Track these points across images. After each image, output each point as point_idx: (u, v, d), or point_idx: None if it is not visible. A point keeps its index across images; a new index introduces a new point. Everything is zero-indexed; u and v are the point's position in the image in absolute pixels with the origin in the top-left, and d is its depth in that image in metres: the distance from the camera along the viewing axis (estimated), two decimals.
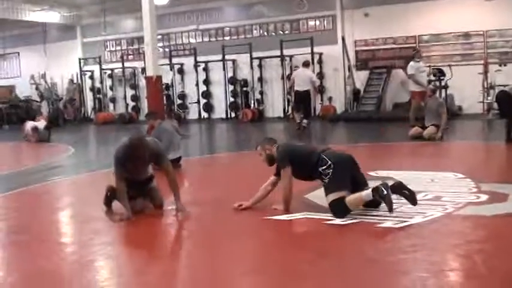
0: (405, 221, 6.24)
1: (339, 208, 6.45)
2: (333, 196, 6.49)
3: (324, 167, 6.59)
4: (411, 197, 6.51)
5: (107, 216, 7.29)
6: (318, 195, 7.71)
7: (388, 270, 4.98)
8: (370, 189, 6.43)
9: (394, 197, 6.45)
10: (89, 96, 28.71)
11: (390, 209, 6.32)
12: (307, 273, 4.95)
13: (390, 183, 6.62)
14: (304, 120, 17.08)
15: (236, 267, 5.26)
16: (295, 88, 16.94)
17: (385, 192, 6.32)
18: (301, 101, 17.15)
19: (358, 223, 6.32)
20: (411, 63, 15.82)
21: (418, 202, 6.65)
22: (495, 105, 14.49)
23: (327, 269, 5.08)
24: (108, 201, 7.47)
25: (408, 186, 6.64)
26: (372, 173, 9.16)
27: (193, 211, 7.34)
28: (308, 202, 7.44)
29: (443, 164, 9.12)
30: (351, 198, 6.46)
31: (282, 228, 6.47)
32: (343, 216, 6.41)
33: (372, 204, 6.64)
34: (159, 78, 14.71)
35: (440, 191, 7.71)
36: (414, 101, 15.41)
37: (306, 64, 17.83)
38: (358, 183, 6.69)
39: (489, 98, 18.93)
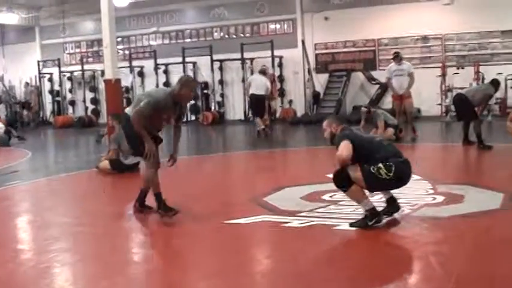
0: None
1: (344, 181, 6.18)
2: (356, 178, 6.12)
3: (384, 170, 6.07)
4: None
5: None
6: (277, 198, 7.79)
7: (343, 272, 5.01)
8: (371, 206, 6.20)
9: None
10: (47, 99, 28.33)
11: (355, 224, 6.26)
12: (265, 275, 4.96)
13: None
14: (258, 120, 17.04)
15: (195, 271, 5.24)
16: (251, 91, 16.91)
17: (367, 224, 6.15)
18: (256, 104, 17.12)
19: (315, 225, 6.35)
20: (388, 66, 15.63)
21: (375, 203, 6.71)
22: (453, 107, 14.64)
23: (283, 271, 5.09)
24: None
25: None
26: (331, 175, 9.18)
27: (153, 216, 7.30)
28: (267, 205, 7.45)
29: None
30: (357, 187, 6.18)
31: (240, 232, 6.45)
32: (347, 187, 6.17)
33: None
34: (118, 81, 14.58)
35: (397, 192, 7.73)
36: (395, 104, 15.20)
37: (262, 71, 17.84)
38: None
39: (447, 100, 19.20)
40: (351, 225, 6.20)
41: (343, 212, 6.86)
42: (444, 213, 6.67)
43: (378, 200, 6.59)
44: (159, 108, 6.82)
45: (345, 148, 6.12)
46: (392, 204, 6.47)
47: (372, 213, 6.12)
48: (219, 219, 6.80)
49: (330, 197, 7.69)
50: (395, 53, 15.12)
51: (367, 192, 6.26)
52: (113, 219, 7.44)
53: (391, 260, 5.29)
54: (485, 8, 20.14)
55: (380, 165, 6.06)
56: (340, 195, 7.63)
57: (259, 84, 16.92)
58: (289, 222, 6.50)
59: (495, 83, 12.83)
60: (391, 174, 6.04)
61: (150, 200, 7.25)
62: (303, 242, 5.92)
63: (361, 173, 6.09)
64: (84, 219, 7.57)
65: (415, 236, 5.92)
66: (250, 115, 20.94)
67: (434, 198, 7.46)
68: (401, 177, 6.24)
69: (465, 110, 12.42)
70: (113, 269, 5.41)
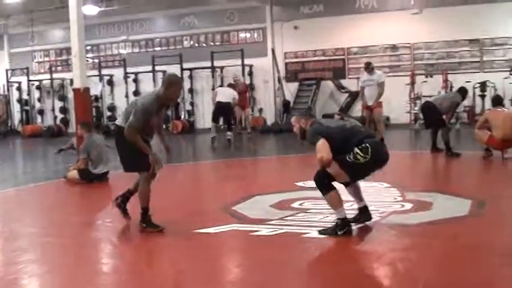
0: None
1: (325, 182, 6.19)
2: (334, 172, 6.12)
3: (361, 153, 6.04)
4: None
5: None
6: (247, 207, 7.78)
7: (313, 279, 5.01)
8: (343, 215, 6.17)
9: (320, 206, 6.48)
10: (16, 108, 28.03)
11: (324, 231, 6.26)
12: (235, 284, 4.95)
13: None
14: (228, 133, 17.07)
15: (164, 281, 5.21)
16: (217, 99, 16.98)
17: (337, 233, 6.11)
18: (222, 112, 17.16)
19: (284, 233, 6.34)
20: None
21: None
22: (421, 115, 14.76)
23: (252, 279, 5.08)
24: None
25: None
26: (300, 184, 9.24)
27: (121, 225, 7.25)
28: (236, 214, 7.43)
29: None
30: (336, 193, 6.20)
31: (210, 241, 6.41)
32: (327, 190, 6.18)
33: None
34: (87, 90, 14.47)
35: (366, 200, 7.78)
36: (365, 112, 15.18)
37: (231, 85, 17.94)
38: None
39: (416, 108, 19.34)
40: (320, 232, 6.19)
41: (312, 219, 6.88)
42: (412, 220, 6.71)
43: (349, 208, 6.60)
44: (149, 115, 6.61)
45: (322, 149, 6.05)
46: (365, 213, 6.50)
47: (343, 223, 6.11)
48: (188, 228, 6.76)
49: (300, 205, 7.72)
50: (366, 63, 15.16)
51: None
52: (81, 230, 7.37)
53: (359, 267, 5.31)
54: (453, 17, 20.44)
55: (355, 150, 6.06)
56: (309, 203, 7.72)
57: (226, 94, 17.01)
58: (258, 231, 6.48)
59: (462, 91, 12.98)
60: (368, 156, 6.03)
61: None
62: (272, 250, 5.91)
63: (339, 165, 6.09)
64: (51, 229, 7.50)
65: (383, 243, 5.96)
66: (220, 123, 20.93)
67: (403, 206, 7.51)
68: (379, 157, 6.22)
69: (433, 117, 12.55)
70: (81, 280, 5.35)
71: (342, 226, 6.09)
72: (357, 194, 6.54)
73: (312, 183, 9.05)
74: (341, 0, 22.02)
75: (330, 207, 6.30)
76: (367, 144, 6.08)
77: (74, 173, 10.89)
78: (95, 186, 10.46)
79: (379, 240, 6.05)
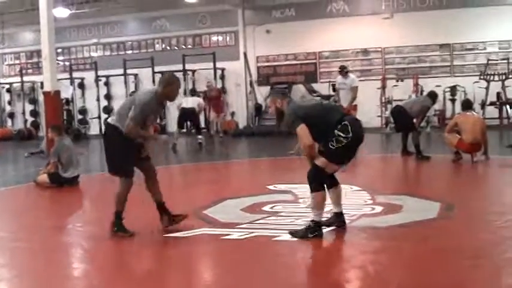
0: None
1: (317, 179, 6.13)
2: (322, 163, 6.10)
3: (342, 134, 5.98)
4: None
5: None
6: (218, 211, 7.78)
7: (283, 282, 5.02)
8: (318, 218, 6.17)
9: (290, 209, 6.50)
10: None
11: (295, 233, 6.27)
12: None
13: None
14: (199, 137, 17.14)
15: (134, 286, 5.19)
16: (182, 105, 17.16)
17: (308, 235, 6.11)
18: (187, 117, 17.30)
19: (255, 237, 6.34)
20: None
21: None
22: (392, 119, 14.87)
23: (222, 283, 5.08)
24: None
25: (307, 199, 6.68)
26: (271, 187, 9.26)
27: (91, 230, 7.22)
28: (207, 218, 7.41)
29: (340, 177, 9.23)
30: (323, 194, 6.18)
31: (179, 246, 6.39)
32: (317, 188, 6.13)
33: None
34: (58, 93, 14.41)
35: None
36: None
37: (196, 93, 18.34)
38: None
39: (387, 112, 19.49)
40: (291, 234, 6.22)
41: (283, 223, 6.88)
42: (382, 223, 6.74)
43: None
44: (149, 111, 6.56)
45: (303, 135, 6.04)
46: (339, 218, 6.51)
47: (316, 226, 6.12)
48: (158, 233, 6.75)
49: (270, 208, 7.73)
50: (340, 66, 15.20)
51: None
52: (51, 234, 7.30)
53: (329, 270, 5.33)
54: (424, 22, 20.67)
55: (336, 132, 6.00)
56: (280, 206, 7.75)
57: (189, 101, 17.29)
58: (229, 235, 6.48)
59: (432, 95, 13.11)
60: (350, 134, 5.98)
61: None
62: (241, 254, 5.92)
63: (325, 156, 6.08)
64: (20, 234, 7.42)
65: (353, 246, 5.99)
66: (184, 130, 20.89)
67: (373, 209, 7.55)
68: (358, 134, 6.16)
69: (403, 121, 12.66)
70: (50, 285, 5.32)
71: (313, 230, 6.10)
72: (337, 199, 6.52)
73: (282, 187, 9.19)
74: (313, 4, 22.12)
75: (309, 207, 6.38)
76: (346, 122, 6.05)
77: (44, 177, 10.80)
78: (65, 190, 10.38)
79: (349, 243, 6.08)
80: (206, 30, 24.12)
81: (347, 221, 6.69)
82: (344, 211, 6.92)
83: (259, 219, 7.13)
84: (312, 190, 6.15)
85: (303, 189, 8.36)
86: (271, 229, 6.61)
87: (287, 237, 6.21)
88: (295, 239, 6.12)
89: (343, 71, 14.55)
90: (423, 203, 7.86)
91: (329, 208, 6.53)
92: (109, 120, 6.86)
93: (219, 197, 8.70)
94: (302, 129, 6.03)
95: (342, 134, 5.98)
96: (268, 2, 22.80)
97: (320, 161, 6.08)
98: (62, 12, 22.03)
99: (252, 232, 6.50)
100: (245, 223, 6.96)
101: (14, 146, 22.22)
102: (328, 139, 6.03)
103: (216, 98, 20.09)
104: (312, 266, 5.45)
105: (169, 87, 6.58)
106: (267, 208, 7.73)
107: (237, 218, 7.25)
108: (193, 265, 5.83)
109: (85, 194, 10.69)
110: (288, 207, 7.75)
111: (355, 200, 8.04)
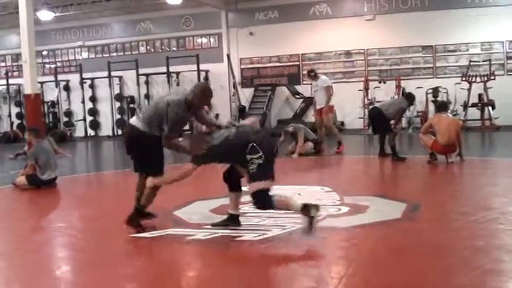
0: (264, 234, 6.41)
1: (264, 199, 6.27)
2: (255, 186, 6.27)
3: (254, 156, 6.19)
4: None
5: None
6: (187, 211, 7.86)
7: (243, 283, 5.11)
8: (301, 203, 6.24)
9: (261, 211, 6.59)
10: None
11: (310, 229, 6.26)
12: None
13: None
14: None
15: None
16: None
17: (315, 216, 6.15)
18: None
19: (218, 237, 6.43)
20: None
21: (282, 215, 6.90)
22: (369, 121, 15.00)
23: (181, 283, 5.17)
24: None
25: None
26: (246, 188, 9.32)
27: (56, 230, 7.29)
28: (176, 219, 7.49)
29: (314, 178, 9.46)
30: (280, 198, 6.33)
31: (145, 246, 6.46)
32: (266, 207, 6.34)
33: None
34: (38, 96, 14.49)
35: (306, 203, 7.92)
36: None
37: None
38: None
39: None
40: (213, 225, 6.82)
41: (248, 223, 6.96)
42: (344, 224, 6.84)
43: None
44: (182, 120, 6.87)
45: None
46: (234, 220, 6.86)
47: (233, 219, 6.77)
48: (125, 233, 6.82)
49: None
50: (307, 70, 15.28)
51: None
52: (28, 235, 7.37)
53: (283, 270, 5.42)
54: (406, 23, 20.82)
55: (248, 157, 6.21)
56: (247, 207, 7.77)
57: None
58: (194, 235, 6.56)
59: (409, 97, 13.22)
60: (260, 152, 6.20)
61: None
62: (206, 253, 6.05)
63: (253, 181, 6.29)
64: None
65: (310, 245, 6.02)
66: None
67: (339, 209, 7.63)
68: (268, 150, 6.31)
69: (380, 123, 12.76)
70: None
71: (232, 220, 6.76)
72: (236, 203, 6.89)
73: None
74: (296, 6, 22.23)
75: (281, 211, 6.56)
76: (252, 143, 6.22)
77: (22, 179, 10.85)
78: (43, 192, 10.45)
79: (306, 243, 6.09)
80: (190, 32, 24.24)
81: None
82: None
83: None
84: (271, 208, 6.38)
85: (275, 190, 8.49)
86: (235, 229, 6.67)
87: (249, 236, 6.30)
88: (256, 238, 6.23)
89: (310, 75, 14.67)
90: (390, 203, 7.96)
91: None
92: (134, 123, 6.90)
93: (190, 199, 8.77)
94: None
95: (254, 156, 6.18)
96: (252, 4, 22.90)
97: (253, 187, 6.32)
98: (46, 15, 22.08)
99: (216, 232, 6.58)
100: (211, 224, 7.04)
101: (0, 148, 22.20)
102: (240, 161, 6.34)
103: None
104: (264, 266, 5.53)
105: (203, 98, 6.84)
106: None
107: (204, 219, 7.32)
108: (154, 264, 5.88)
109: (63, 195, 10.73)
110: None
111: (324, 201, 8.09)
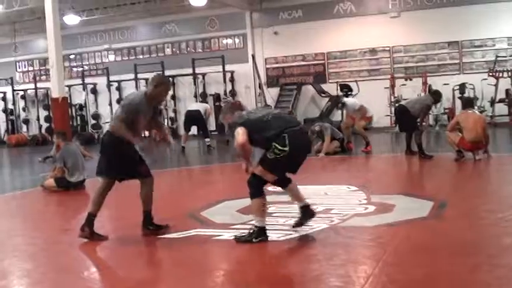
0: (290, 234, 6.44)
1: (255, 185, 6.24)
2: (260, 172, 6.21)
3: (279, 147, 6.05)
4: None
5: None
6: (214, 212, 7.92)
7: (269, 282, 5.15)
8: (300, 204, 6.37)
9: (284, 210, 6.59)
10: (1, 118, 28.12)
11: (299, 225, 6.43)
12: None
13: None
14: (207, 139, 17.27)
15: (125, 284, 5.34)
16: (187, 108, 17.43)
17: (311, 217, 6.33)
18: (192, 120, 17.41)
19: None
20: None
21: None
22: (395, 119, 14.97)
23: (212, 284, 5.23)
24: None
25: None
26: (270, 188, 9.35)
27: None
28: (202, 219, 7.55)
29: (340, 177, 9.49)
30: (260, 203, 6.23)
31: (171, 246, 6.52)
32: (255, 195, 6.23)
33: None
34: (66, 99, 14.65)
35: (331, 203, 7.95)
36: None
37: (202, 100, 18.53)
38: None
39: None
40: (236, 239, 6.31)
41: (275, 223, 6.98)
42: (371, 223, 6.85)
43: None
44: (136, 112, 6.67)
45: (240, 134, 6.11)
46: (306, 211, 6.48)
47: (260, 232, 6.18)
48: (153, 234, 6.89)
49: None
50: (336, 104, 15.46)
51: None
52: (55, 236, 7.47)
53: (308, 269, 5.45)
54: (431, 20, 20.68)
55: (273, 144, 6.06)
56: (274, 207, 7.85)
57: (194, 105, 17.63)
58: (220, 235, 6.61)
59: (435, 94, 13.13)
60: (286, 147, 6.02)
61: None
62: (234, 254, 6.11)
63: (261, 166, 6.17)
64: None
65: (336, 245, 6.04)
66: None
67: (366, 208, 7.64)
68: (298, 146, 6.18)
69: (406, 121, 12.71)
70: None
71: (257, 234, 6.17)
72: (296, 195, 6.55)
73: (280, 188, 9.29)
74: (320, 5, 22.23)
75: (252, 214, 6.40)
76: (286, 134, 6.08)
77: (51, 182, 10.99)
78: (72, 194, 10.57)
79: (334, 241, 6.10)
80: (215, 33, 24.37)
81: (337, 221, 6.81)
82: (337, 211, 7.06)
83: (253, 220, 7.23)
84: (251, 197, 6.26)
85: (302, 189, 8.52)
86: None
87: (275, 237, 6.32)
88: (281, 238, 6.26)
89: (339, 106, 15.04)
90: (417, 202, 7.94)
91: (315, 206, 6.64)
92: (108, 128, 7.08)
93: (218, 199, 8.83)
94: (240, 129, 6.14)
95: (278, 146, 6.04)
96: (276, 4, 22.95)
97: (257, 170, 6.21)
98: (73, 19, 22.34)
99: (243, 233, 6.61)
100: (238, 224, 7.09)
101: (29, 151, 22.44)
102: (267, 146, 6.16)
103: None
104: (292, 265, 5.57)
105: (159, 87, 6.75)
106: None
107: (231, 219, 7.38)
108: (182, 266, 5.95)
109: (91, 197, 10.82)
110: (282, 208, 7.86)
111: (350, 199, 8.13)
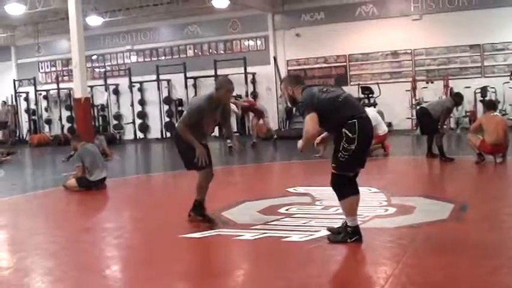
0: (312, 235, 6.47)
1: (338, 186, 6.07)
2: (338, 171, 6.01)
3: (349, 134, 5.83)
4: None
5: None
6: (235, 212, 7.97)
7: (289, 283, 5.18)
8: (353, 224, 6.10)
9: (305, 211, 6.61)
10: (24, 118, 28.43)
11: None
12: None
13: None
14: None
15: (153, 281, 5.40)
16: None
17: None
18: None
19: (266, 238, 6.50)
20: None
21: (329, 216, 6.94)
22: (417, 121, 14.94)
23: (234, 284, 5.28)
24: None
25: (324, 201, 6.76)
26: (291, 189, 9.42)
27: (109, 229, 7.45)
28: (224, 219, 7.58)
29: (361, 179, 9.37)
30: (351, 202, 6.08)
31: (192, 245, 6.60)
32: (342, 196, 6.06)
33: None
34: (88, 99, 14.77)
35: None
36: None
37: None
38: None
39: None
40: (329, 239, 6.17)
41: (296, 224, 7.04)
42: (392, 224, 6.88)
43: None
44: (201, 114, 7.07)
45: (310, 122, 5.91)
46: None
47: (354, 231, 6.06)
48: (175, 233, 6.95)
49: (286, 210, 7.89)
50: None
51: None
52: (79, 235, 7.56)
53: (332, 269, 5.49)
54: (453, 23, 20.58)
55: (343, 130, 5.84)
56: (295, 208, 7.91)
57: None
58: (241, 235, 6.66)
59: (456, 97, 13.09)
60: (355, 134, 5.81)
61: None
62: (255, 254, 6.17)
63: (336, 163, 5.99)
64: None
65: (357, 246, 6.04)
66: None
67: (387, 210, 7.67)
68: (366, 135, 5.98)
69: (427, 123, 12.68)
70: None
71: (353, 235, 6.05)
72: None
73: (301, 189, 9.35)
74: (342, 7, 22.21)
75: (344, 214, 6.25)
76: (355, 120, 5.86)
77: (72, 182, 11.08)
78: (92, 194, 10.67)
79: (353, 244, 6.09)
80: (237, 35, 24.41)
81: (360, 223, 6.76)
82: (358, 212, 7.04)
83: (274, 221, 7.30)
84: (339, 198, 6.11)
85: (322, 192, 8.58)
86: (283, 230, 6.76)
87: (296, 237, 6.37)
88: (302, 239, 6.30)
89: None
90: (437, 204, 7.96)
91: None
92: (176, 124, 7.60)
93: (239, 199, 8.88)
94: (311, 117, 5.90)
95: (348, 133, 5.82)
96: (298, 6, 22.95)
97: (334, 168, 6.03)
98: (95, 20, 22.54)
99: (265, 233, 6.67)
100: (259, 224, 7.14)
101: (51, 151, 22.63)
102: (337, 132, 5.94)
103: (251, 107, 19.83)
104: (310, 266, 5.58)
105: (221, 90, 7.12)
106: (282, 210, 7.89)
107: (252, 220, 7.43)
108: (202, 266, 6.00)
109: (112, 196, 10.95)
110: (303, 209, 7.91)
111: (370, 201, 8.14)
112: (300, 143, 6.24)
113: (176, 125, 7.40)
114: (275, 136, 19.49)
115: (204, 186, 7.33)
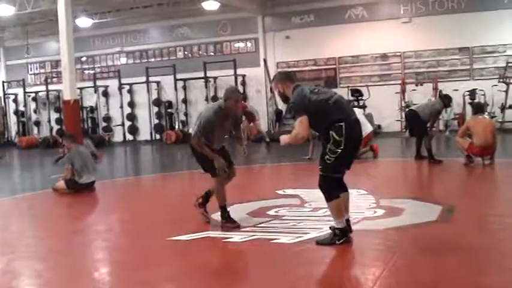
0: (300, 237, 6.48)
1: (326, 188, 6.09)
2: (325, 172, 6.05)
3: (336, 137, 5.87)
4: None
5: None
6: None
7: (277, 285, 5.19)
8: (342, 226, 6.10)
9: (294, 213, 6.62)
10: (12, 120, 28.32)
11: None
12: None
13: None
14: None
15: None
16: None
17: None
18: None
19: (255, 240, 6.52)
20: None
21: (318, 218, 6.95)
22: (405, 123, 14.98)
23: (222, 286, 5.28)
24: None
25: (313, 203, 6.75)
26: (280, 191, 9.43)
27: (100, 232, 7.44)
28: (213, 222, 7.57)
29: (350, 181, 9.44)
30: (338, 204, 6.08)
31: (183, 248, 6.58)
32: (329, 197, 6.08)
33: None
34: (77, 101, 14.73)
35: None
36: None
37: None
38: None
39: None
40: (317, 242, 6.18)
41: (285, 226, 7.05)
42: (380, 226, 6.89)
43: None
44: (211, 126, 7.09)
45: (301, 125, 5.94)
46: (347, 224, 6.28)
47: (342, 233, 6.08)
48: (164, 235, 6.95)
49: (275, 212, 7.90)
50: None
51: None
52: (68, 237, 7.54)
53: (320, 271, 5.49)
54: (442, 25, 20.71)
55: (331, 132, 5.87)
56: (284, 210, 7.92)
57: None
58: (230, 238, 6.66)
59: (444, 99, 13.12)
60: (342, 137, 5.84)
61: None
62: (243, 256, 6.20)
63: (323, 165, 6.04)
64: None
65: (345, 248, 6.04)
66: None
67: (375, 212, 7.68)
68: (353, 138, 6.01)
69: (416, 125, 12.73)
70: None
71: (341, 236, 6.07)
72: (346, 204, 6.31)
73: (290, 191, 9.35)
74: (332, 10, 22.27)
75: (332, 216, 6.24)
76: (342, 123, 5.87)
77: (61, 184, 11.05)
78: (81, 196, 10.64)
79: (341, 246, 6.09)
80: (227, 37, 24.45)
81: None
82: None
83: (263, 223, 7.31)
84: (327, 200, 6.13)
85: (310, 194, 8.59)
86: (271, 232, 6.77)
87: (285, 239, 6.37)
88: (291, 241, 6.30)
89: None
90: (426, 206, 7.97)
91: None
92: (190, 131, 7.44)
93: (229, 202, 8.81)
94: (301, 121, 5.93)
95: (336, 136, 5.86)
96: (288, 8, 23.02)
97: (325, 172, 6.08)
98: (85, 22, 22.49)
99: (254, 235, 6.68)
100: (249, 226, 7.16)
101: (40, 153, 22.58)
102: (324, 133, 6.00)
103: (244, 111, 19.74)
104: (301, 267, 5.60)
105: (229, 101, 7.12)
106: (271, 212, 7.92)
107: (242, 222, 7.40)
108: (193, 267, 6.00)
109: (101, 198, 10.93)
110: (292, 211, 7.93)
111: (359, 203, 8.15)
112: (284, 138, 6.24)
113: (190, 140, 7.36)
114: (267, 139, 19.50)
115: (220, 191, 7.38)
